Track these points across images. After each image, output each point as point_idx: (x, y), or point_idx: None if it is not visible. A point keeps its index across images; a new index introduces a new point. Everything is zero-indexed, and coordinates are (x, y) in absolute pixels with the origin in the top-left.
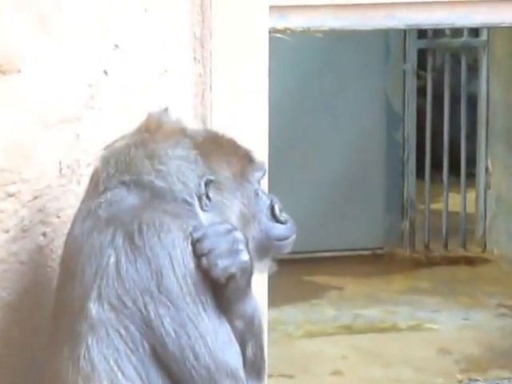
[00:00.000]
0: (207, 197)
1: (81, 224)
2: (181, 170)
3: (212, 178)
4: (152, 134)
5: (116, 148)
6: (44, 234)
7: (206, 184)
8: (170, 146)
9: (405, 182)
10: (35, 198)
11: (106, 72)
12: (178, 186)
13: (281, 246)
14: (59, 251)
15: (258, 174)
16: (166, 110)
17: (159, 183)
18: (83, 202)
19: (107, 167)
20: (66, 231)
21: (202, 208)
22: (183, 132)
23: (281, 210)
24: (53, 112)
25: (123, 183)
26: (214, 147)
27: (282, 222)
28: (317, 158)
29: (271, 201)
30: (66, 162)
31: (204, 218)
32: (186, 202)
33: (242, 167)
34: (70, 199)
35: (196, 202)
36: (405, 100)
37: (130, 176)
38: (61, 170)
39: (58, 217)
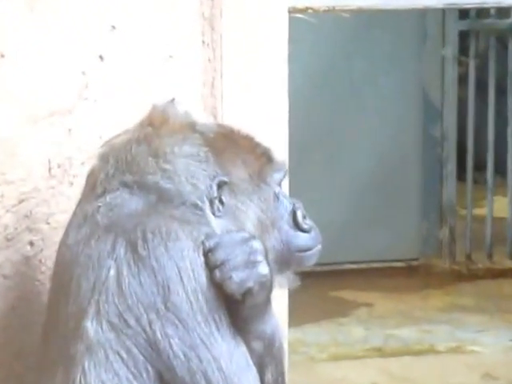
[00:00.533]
0: (220, 201)
1: (76, 231)
2: (189, 170)
3: (225, 179)
4: (157, 128)
5: (115, 144)
6: (31, 243)
7: (219, 186)
8: (177, 142)
9: (443, 184)
10: (21, 201)
11: (101, 57)
12: (187, 188)
13: (304, 257)
14: (49, 263)
15: (277, 176)
16: (173, 101)
17: (165, 184)
18: (79, 205)
19: (106, 166)
20: (56, 239)
21: (213, 213)
22: (192, 126)
23: (304, 217)
24: (41, 103)
25: (125, 184)
26: (228, 144)
27: (305, 231)
28: (343, 156)
29: (293, 206)
30: (56, 161)
31: (216, 224)
32: (195, 206)
33: (260, 167)
34: (60, 203)
35: (207, 207)
36: (444, 90)
37: (132, 176)
38: (50, 169)
39: (48, 223)
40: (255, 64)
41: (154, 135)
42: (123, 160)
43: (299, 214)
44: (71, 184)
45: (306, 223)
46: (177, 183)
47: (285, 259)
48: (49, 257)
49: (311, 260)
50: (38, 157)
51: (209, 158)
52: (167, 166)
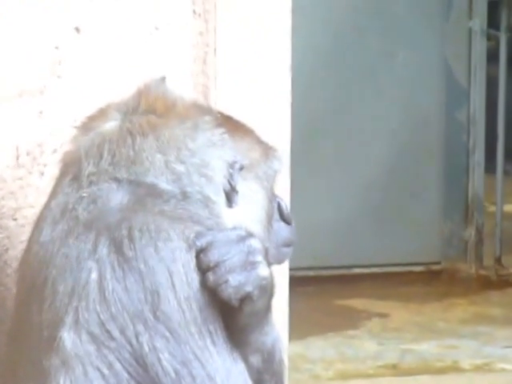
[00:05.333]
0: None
1: (51, 227)
2: (204, 162)
3: (245, 162)
4: (161, 115)
5: (107, 134)
6: None
7: (240, 169)
8: (189, 132)
9: (470, 177)
10: None
11: (77, 29)
12: (199, 184)
13: (286, 253)
14: (15, 264)
15: (279, 164)
16: (163, 79)
17: (168, 186)
18: (53, 198)
19: (98, 159)
20: (24, 238)
21: (230, 205)
22: (198, 108)
23: (286, 207)
24: (7, 82)
25: (115, 179)
26: (236, 123)
27: (289, 222)
28: (353, 146)
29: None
30: (24, 148)
31: (229, 218)
32: (207, 199)
33: (265, 151)
34: (29, 196)
35: (221, 199)
36: (471, 68)
37: (128, 175)
38: (18, 157)
39: (14, 219)
40: (253, 38)
41: (161, 125)
42: (122, 156)
43: (283, 205)
44: (41, 174)
45: (289, 214)
46: (185, 185)
47: (270, 255)
48: (15, 257)
49: (289, 256)
50: (3, 143)
51: (225, 141)
52: (180, 168)
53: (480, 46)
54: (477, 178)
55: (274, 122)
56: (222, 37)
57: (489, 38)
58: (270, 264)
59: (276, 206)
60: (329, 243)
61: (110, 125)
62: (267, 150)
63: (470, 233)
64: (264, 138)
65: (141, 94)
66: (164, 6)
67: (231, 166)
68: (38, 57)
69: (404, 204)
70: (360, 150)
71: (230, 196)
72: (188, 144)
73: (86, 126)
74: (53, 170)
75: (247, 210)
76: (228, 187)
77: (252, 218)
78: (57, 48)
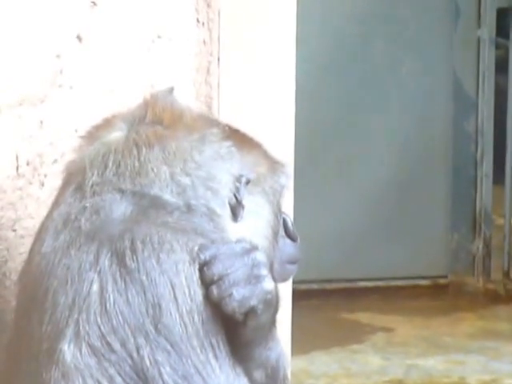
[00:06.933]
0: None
1: (53, 237)
2: (211, 175)
3: (251, 177)
4: (168, 127)
5: (112, 144)
6: None
7: (247, 183)
8: (196, 144)
9: (478, 189)
10: None
11: (79, 38)
12: (204, 198)
13: (291, 270)
14: (14, 276)
15: (285, 179)
16: (171, 90)
17: (171, 199)
18: (56, 207)
19: (102, 169)
20: (23, 250)
21: (235, 219)
22: (206, 120)
23: (292, 224)
24: (8, 91)
25: (119, 190)
26: (243, 136)
27: (294, 239)
28: (359, 156)
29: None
30: (24, 158)
31: (234, 232)
32: (212, 213)
33: (272, 165)
34: (29, 207)
35: (227, 213)
36: (479, 77)
37: (133, 186)
38: (18, 167)
39: (14, 230)
40: (258, 47)
41: (167, 136)
42: (128, 166)
43: (289, 221)
44: (42, 185)
45: (295, 230)
46: (190, 197)
47: (275, 271)
48: (14, 269)
49: (293, 273)
50: (3, 152)
51: (232, 154)
52: (185, 180)
53: (489, 55)
54: (485, 189)
55: (277, 133)
56: (225, 46)
57: (497, 46)
58: (274, 280)
59: (282, 221)
60: (333, 256)
61: (116, 135)
62: (275, 165)
63: (478, 246)
64: (267, 149)
65: (148, 105)
66: (167, 15)
67: (238, 179)
68: (39, 65)
69: (410, 216)
70: (366, 162)
71: (236, 210)
72: (194, 156)
73: (92, 136)
74: (53, 181)
75: (253, 224)
76: (234, 201)
77: (257, 232)
78: (58, 57)
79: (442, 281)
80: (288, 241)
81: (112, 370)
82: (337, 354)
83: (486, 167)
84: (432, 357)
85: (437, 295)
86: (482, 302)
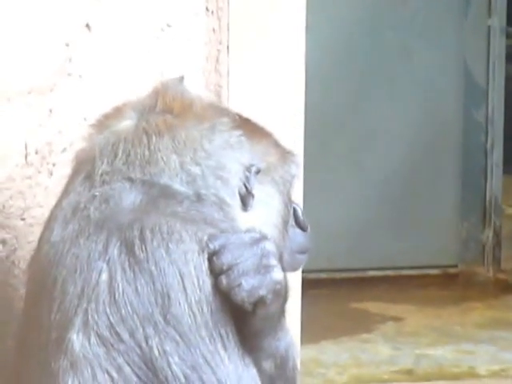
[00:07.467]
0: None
1: (62, 226)
2: (220, 164)
3: (262, 165)
4: (178, 116)
5: (122, 133)
6: (3, 242)
7: (257, 173)
8: (206, 133)
9: (487, 178)
10: None
11: (88, 26)
12: (214, 187)
13: (301, 260)
14: (23, 265)
15: (296, 168)
16: (182, 79)
17: (181, 188)
18: (66, 196)
19: (112, 158)
20: (32, 238)
21: (245, 208)
22: (216, 109)
23: (302, 213)
24: (17, 79)
25: (129, 179)
26: (254, 126)
27: (304, 229)
28: (368, 145)
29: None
30: (33, 146)
31: (244, 222)
32: (222, 202)
33: (282, 155)
34: (38, 195)
35: (236, 203)
36: (489, 67)
37: (142, 175)
38: (27, 156)
39: (23, 219)
40: (267, 36)
41: (177, 125)
42: (138, 155)
43: (299, 210)
44: (50, 173)
45: (305, 220)
46: (199, 187)
47: (284, 261)
48: (23, 258)
49: (303, 263)
50: (12, 141)
51: (242, 144)
52: (195, 169)
53: (499, 44)
54: (495, 179)
55: (287, 121)
56: (235, 34)
57: (508, 35)
58: (284, 270)
59: (292, 211)
60: (343, 245)
61: (126, 124)
62: (285, 154)
63: (488, 235)
64: (278, 138)
65: (158, 94)
66: (176, 3)
67: (248, 169)
68: (49, 54)
69: (420, 205)
70: (375, 151)
71: (246, 200)
72: (204, 145)
73: (101, 125)
74: (62, 169)
75: (263, 214)
76: (244, 191)
77: (267, 222)
78: (67, 45)
79: (451, 270)
80: (298, 230)
81: (121, 360)
82: (346, 344)
83: (496, 156)
84: (442, 346)
85: (446, 285)
86: (492, 291)
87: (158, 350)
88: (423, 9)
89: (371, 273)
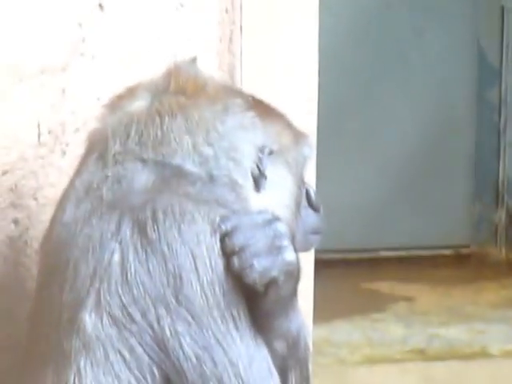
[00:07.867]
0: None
1: (74, 206)
2: (233, 145)
3: (274, 147)
4: (191, 97)
5: (134, 114)
6: (16, 222)
7: (269, 154)
8: (219, 114)
9: (501, 158)
10: (4, 173)
11: (101, 6)
12: (226, 168)
13: (314, 240)
14: (36, 244)
15: (309, 150)
16: (195, 60)
17: (193, 168)
18: (78, 175)
19: (124, 138)
20: (44, 218)
21: (258, 190)
22: (229, 90)
23: (315, 194)
24: (29, 59)
25: (142, 160)
26: (267, 107)
27: (317, 210)
28: (381, 125)
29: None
30: (46, 126)
31: (257, 203)
32: (234, 184)
33: (296, 137)
34: (50, 175)
35: (249, 184)
36: (503, 47)
37: (155, 156)
38: (39, 136)
39: (35, 199)
40: (281, 15)
41: (190, 106)
42: (150, 136)
43: (311, 191)
44: (63, 153)
45: (318, 201)
46: (212, 168)
47: (297, 241)
48: (35, 237)
49: (316, 244)
50: (25, 121)
51: (255, 125)
52: (208, 150)
53: None
54: (508, 159)
55: (300, 102)
56: (248, 14)
57: None
58: (296, 251)
59: (304, 192)
60: (356, 226)
61: (139, 104)
62: (298, 136)
63: (501, 216)
64: (291, 119)
65: (171, 74)
66: None
67: (260, 150)
68: (61, 34)
69: (433, 186)
70: (388, 131)
71: (258, 181)
72: (217, 126)
73: (114, 105)
74: (75, 150)
75: (275, 195)
76: (256, 172)
77: (280, 203)
78: (80, 25)
79: (464, 250)
80: (311, 211)
81: (133, 341)
82: (358, 323)
83: (509, 137)
84: (454, 326)
85: (459, 265)
86: (505, 271)
87: (170, 330)
88: None
89: (384, 253)
